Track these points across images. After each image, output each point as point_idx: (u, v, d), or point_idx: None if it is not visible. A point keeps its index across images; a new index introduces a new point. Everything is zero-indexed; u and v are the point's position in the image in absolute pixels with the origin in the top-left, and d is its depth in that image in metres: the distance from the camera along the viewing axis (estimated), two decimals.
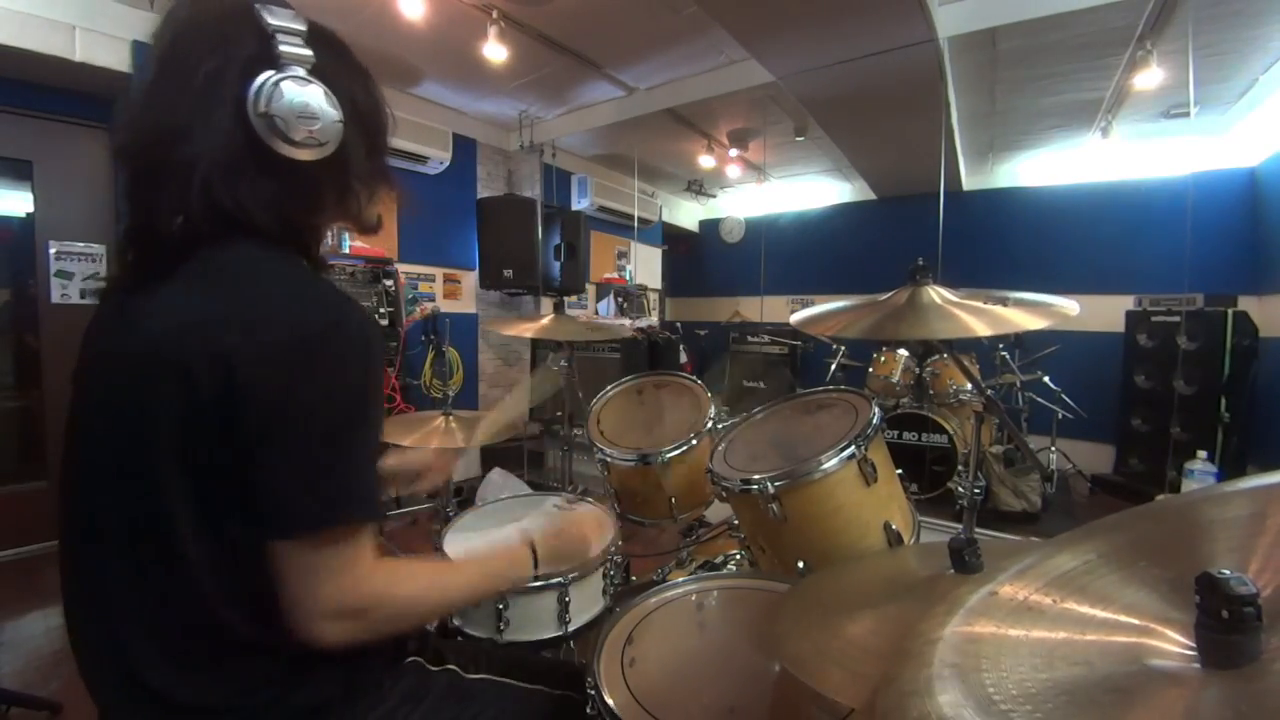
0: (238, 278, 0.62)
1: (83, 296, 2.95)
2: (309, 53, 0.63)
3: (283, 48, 0.61)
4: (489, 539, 1.39)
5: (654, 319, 5.63)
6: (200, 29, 0.62)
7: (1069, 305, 0.93)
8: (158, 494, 0.59)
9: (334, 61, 0.67)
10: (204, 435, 0.57)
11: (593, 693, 0.81)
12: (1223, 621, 0.37)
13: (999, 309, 0.92)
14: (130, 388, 0.60)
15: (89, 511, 0.64)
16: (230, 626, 0.61)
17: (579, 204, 4.99)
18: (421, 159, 3.97)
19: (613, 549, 1.23)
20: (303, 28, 0.63)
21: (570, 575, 1.21)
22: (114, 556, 0.62)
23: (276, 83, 0.60)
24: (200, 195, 0.60)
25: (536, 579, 0.90)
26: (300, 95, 0.61)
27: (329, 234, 3.34)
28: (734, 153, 4.79)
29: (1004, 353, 3.78)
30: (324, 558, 0.59)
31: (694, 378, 1.80)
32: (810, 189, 5.89)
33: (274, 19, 0.61)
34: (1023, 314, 0.91)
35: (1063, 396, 3.83)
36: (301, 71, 0.62)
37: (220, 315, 0.58)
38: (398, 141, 3.73)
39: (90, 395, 0.66)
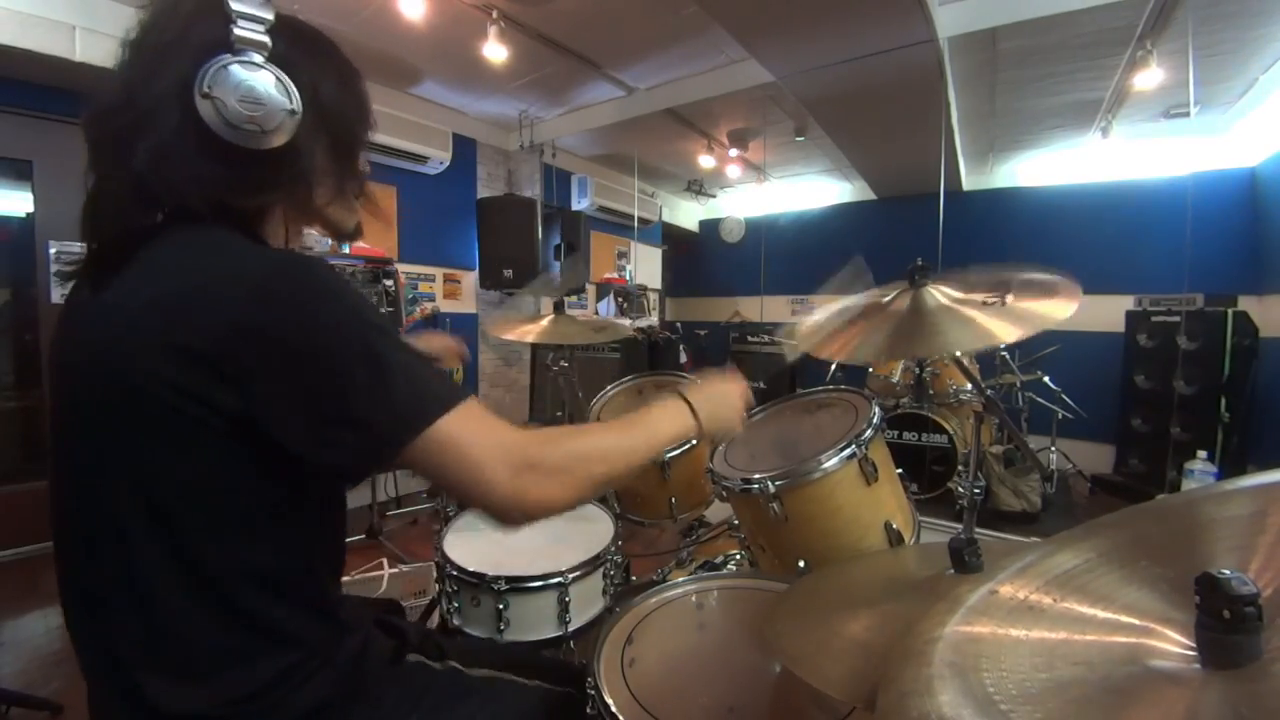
0: (199, 249, 0.61)
1: None
2: (266, 39, 0.62)
3: (239, 32, 0.60)
4: (496, 538, 1.39)
5: (654, 319, 5.63)
6: (172, 12, 0.63)
7: (1071, 284, 0.90)
8: (138, 489, 0.58)
9: (301, 53, 0.66)
10: (204, 410, 0.56)
11: (593, 693, 0.80)
12: (1224, 621, 0.37)
13: (1009, 304, 0.89)
14: (104, 378, 0.58)
15: (74, 511, 0.63)
16: (224, 631, 0.60)
17: (579, 204, 4.99)
18: (421, 159, 3.96)
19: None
20: (268, 15, 0.62)
21: (572, 576, 1.21)
22: (101, 558, 0.61)
23: (225, 65, 0.59)
24: (139, 170, 0.59)
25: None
26: (246, 79, 0.60)
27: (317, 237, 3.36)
28: (734, 153, 4.79)
29: (1004, 353, 3.78)
30: (464, 436, 0.60)
31: (694, 378, 1.79)
32: (810, 189, 5.89)
33: (239, 4, 0.60)
34: (1032, 304, 0.88)
35: (1063, 396, 3.83)
36: (257, 57, 0.61)
37: (200, 282, 0.58)
38: (398, 141, 3.73)
39: (65, 388, 0.65)
